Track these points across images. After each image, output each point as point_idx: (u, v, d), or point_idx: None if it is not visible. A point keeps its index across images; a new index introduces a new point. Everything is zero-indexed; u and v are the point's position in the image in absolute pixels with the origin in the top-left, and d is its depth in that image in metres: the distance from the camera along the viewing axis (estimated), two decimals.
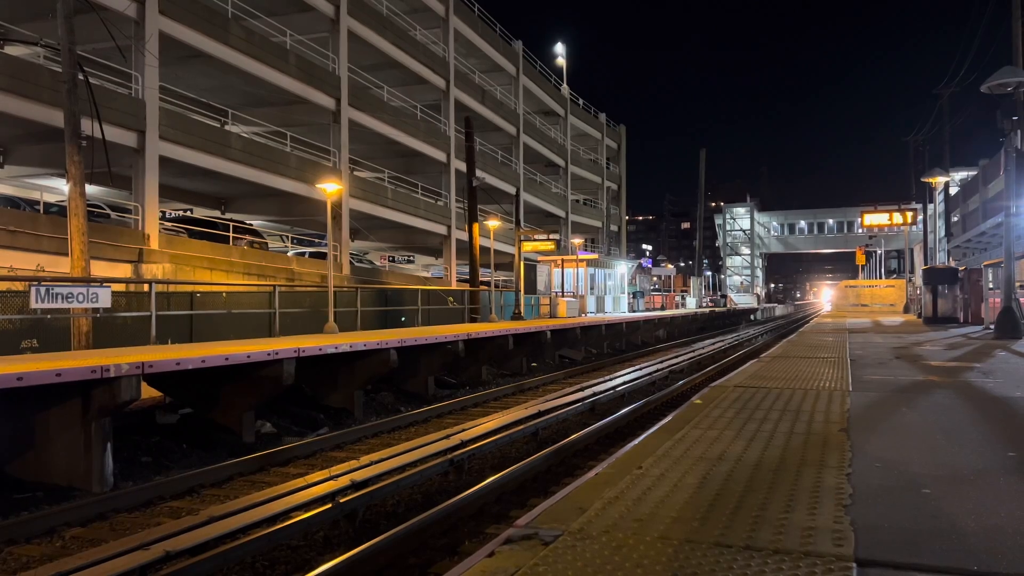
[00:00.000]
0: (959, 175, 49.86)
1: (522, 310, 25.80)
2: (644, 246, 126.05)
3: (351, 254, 30.42)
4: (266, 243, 27.57)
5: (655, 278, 56.81)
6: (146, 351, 10.09)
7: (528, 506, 6.92)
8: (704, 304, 57.37)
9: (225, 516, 6.28)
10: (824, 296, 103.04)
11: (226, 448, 9.73)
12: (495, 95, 43.74)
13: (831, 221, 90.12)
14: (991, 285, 20.67)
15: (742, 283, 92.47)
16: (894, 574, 2.69)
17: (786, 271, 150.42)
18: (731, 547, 2.94)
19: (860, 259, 66.21)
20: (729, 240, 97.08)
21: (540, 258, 36.07)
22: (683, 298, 55.78)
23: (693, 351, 25.74)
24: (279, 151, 27.11)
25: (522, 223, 30.00)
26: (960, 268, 27.67)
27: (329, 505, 6.57)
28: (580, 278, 35.41)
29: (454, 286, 33.33)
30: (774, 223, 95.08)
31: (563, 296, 33.59)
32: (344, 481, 7.34)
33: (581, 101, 57.89)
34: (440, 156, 36.89)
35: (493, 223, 27.06)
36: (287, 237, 32.91)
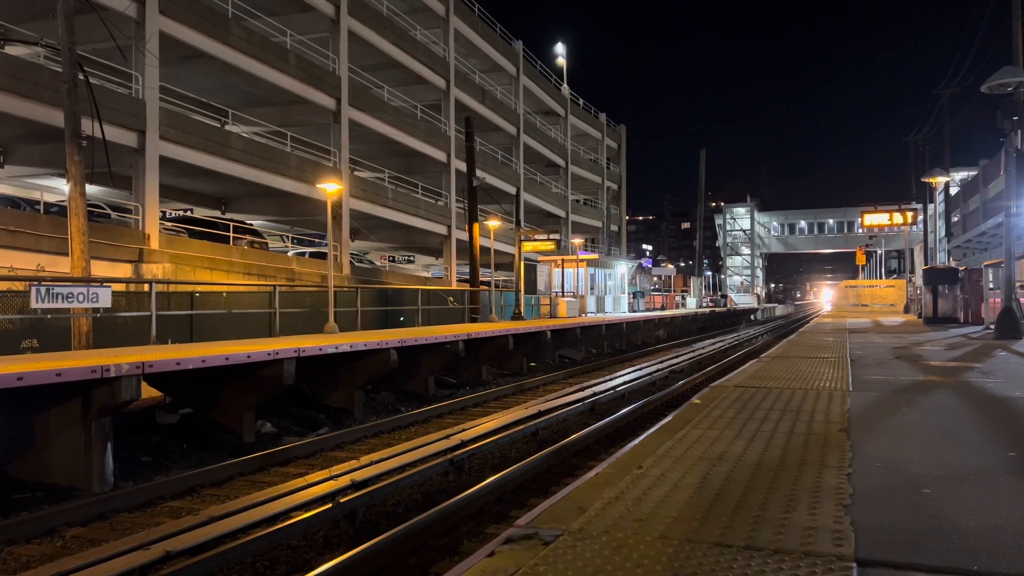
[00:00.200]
0: (959, 175, 49.88)
1: (522, 310, 25.79)
2: (644, 246, 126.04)
3: (351, 254, 30.42)
4: (266, 243, 27.58)
5: (655, 278, 56.83)
6: (146, 351, 10.09)
7: (528, 506, 6.92)
8: (704, 304, 57.37)
9: (225, 516, 6.29)
10: (824, 296, 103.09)
11: (226, 448, 9.74)
12: (495, 95, 43.74)
13: (831, 221, 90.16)
14: (991, 285, 20.67)
15: (742, 283, 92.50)
16: (894, 574, 2.69)
17: (786, 271, 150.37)
18: (731, 547, 2.94)
19: (860, 259, 66.24)
20: (729, 240, 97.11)
21: (540, 258, 36.04)
22: (683, 298, 55.74)
23: (693, 351, 25.73)
24: (279, 151, 27.12)
25: (522, 223, 30.00)
26: (960, 268, 27.66)
27: (329, 505, 6.57)
28: (580, 278, 35.39)
29: (454, 286, 33.33)
30: (774, 223, 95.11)
31: (563, 296, 33.57)
32: (344, 481, 7.34)
33: (581, 101, 57.90)
34: (440, 156, 36.89)
35: (493, 223, 27.05)
36: (287, 237, 32.91)
